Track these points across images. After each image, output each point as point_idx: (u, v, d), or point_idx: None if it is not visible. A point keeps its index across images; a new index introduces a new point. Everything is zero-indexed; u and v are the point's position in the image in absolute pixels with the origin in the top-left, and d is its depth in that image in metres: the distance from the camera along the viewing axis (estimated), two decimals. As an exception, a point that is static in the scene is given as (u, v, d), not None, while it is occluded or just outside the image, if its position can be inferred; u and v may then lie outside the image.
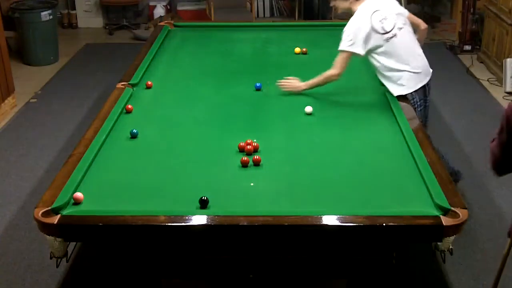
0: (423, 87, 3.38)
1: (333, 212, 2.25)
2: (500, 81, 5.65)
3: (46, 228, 2.21)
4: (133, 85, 3.51)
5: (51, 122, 5.04)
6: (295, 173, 2.61)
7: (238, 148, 2.75)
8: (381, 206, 2.33)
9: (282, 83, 3.45)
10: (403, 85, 3.32)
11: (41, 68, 6.37)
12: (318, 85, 3.40)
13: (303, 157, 2.74)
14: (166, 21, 4.91)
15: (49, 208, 2.26)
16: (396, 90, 3.32)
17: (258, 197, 2.43)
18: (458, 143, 4.57)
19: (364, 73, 3.75)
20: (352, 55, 3.27)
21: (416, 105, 3.35)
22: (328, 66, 3.91)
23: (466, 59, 6.44)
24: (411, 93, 3.34)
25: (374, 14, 3.26)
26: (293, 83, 3.45)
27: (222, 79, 3.73)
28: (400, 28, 3.30)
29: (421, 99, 3.38)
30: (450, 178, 2.49)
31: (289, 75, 3.76)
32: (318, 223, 2.21)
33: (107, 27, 7.82)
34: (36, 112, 5.27)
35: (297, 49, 4.15)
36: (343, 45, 3.27)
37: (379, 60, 3.32)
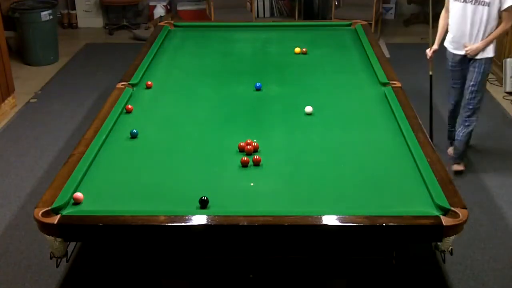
0: None
1: (333, 212, 2.25)
2: (500, 81, 5.65)
3: (46, 228, 2.22)
4: (133, 85, 3.51)
5: (51, 122, 5.04)
6: (295, 173, 2.61)
7: (238, 148, 2.75)
8: (381, 206, 2.33)
9: (468, 52, 3.97)
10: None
11: (41, 68, 6.37)
12: (493, 40, 3.95)
13: (303, 157, 2.74)
14: (166, 21, 4.91)
15: (49, 208, 2.26)
16: (492, 51, 3.96)
17: (258, 197, 2.42)
18: (458, 143, 4.57)
19: (364, 73, 3.76)
20: None
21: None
22: (329, 66, 3.94)
23: (466, 59, 6.43)
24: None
25: None
26: (474, 47, 3.94)
27: (222, 79, 3.73)
28: None
29: None
30: (450, 178, 2.49)
31: (289, 75, 3.77)
32: (318, 223, 2.21)
33: (107, 27, 7.82)
34: (36, 112, 5.28)
35: (297, 49, 4.15)
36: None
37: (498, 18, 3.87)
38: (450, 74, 4.20)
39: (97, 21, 7.92)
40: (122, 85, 3.48)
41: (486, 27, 3.88)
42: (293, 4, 7.70)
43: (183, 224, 2.20)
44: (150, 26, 7.50)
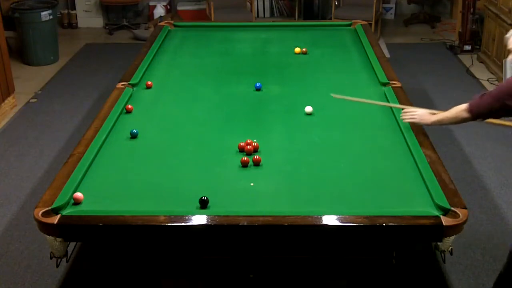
0: None
1: (333, 212, 2.24)
2: (500, 81, 5.65)
3: (46, 228, 2.22)
4: (133, 85, 3.51)
5: (51, 122, 5.04)
6: (295, 173, 2.61)
7: (238, 148, 2.75)
8: (381, 206, 2.33)
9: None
10: None
11: (41, 68, 6.37)
12: None
13: (303, 157, 2.74)
14: (166, 21, 4.91)
15: (49, 208, 2.26)
16: None
17: (258, 197, 2.42)
18: (458, 143, 4.57)
19: (364, 73, 3.76)
20: None
21: None
22: (329, 65, 3.94)
23: (466, 59, 6.44)
24: None
25: None
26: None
27: (222, 79, 3.73)
28: None
29: None
30: (450, 178, 2.49)
31: (289, 75, 3.77)
32: (318, 223, 2.21)
33: (107, 27, 7.82)
34: (36, 112, 5.28)
35: (297, 49, 4.15)
36: None
37: None
38: None
39: (97, 21, 7.92)
40: (122, 85, 3.48)
41: None
42: (293, 4, 7.71)
43: (183, 224, 2.20)
44: (150, 26, 7.50)
